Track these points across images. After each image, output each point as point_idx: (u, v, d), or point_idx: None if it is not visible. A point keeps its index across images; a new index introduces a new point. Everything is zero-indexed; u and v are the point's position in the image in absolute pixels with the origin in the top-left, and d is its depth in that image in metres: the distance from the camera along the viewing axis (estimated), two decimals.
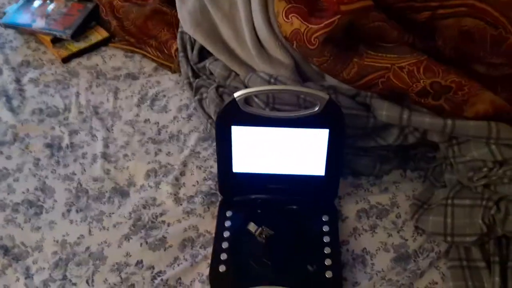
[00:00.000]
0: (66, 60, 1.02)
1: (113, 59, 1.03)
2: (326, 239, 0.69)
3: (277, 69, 0.76)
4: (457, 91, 0.66)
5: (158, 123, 0.90)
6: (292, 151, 0.70)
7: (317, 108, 0.65)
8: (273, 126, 0.67)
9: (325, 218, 0.72)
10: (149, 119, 0.91)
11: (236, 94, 0.65)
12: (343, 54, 0.67)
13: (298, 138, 0.69)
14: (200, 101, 0.85)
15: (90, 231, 0.74)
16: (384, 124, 0.71)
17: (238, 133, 0.68)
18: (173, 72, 0.99)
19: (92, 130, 0.89)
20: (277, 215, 0.72)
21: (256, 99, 0.72)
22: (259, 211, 0.73)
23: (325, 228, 0.71)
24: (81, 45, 1.04)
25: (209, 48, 0.84)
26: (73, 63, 1.02)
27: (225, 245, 0.69)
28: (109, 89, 0.96)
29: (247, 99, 0.70)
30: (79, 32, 1.06)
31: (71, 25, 1.05)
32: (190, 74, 0.89)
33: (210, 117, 0.83)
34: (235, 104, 0.65)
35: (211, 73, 0.86)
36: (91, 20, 1.09)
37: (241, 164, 0.72)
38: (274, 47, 0.75)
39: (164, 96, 0.95)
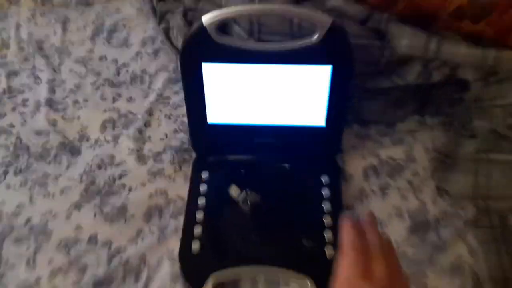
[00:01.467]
0: None
1: None
2: (326, 205, 0.55)
3: None
4: (503, 12, 0.49)
5: (116, 60, 0.72)
6: (283, 96, 0.54)
7: (316, 37, 0.48)
8: (258, 62, 0.51)
9: (324, 179, 0.57)
10: (105, 56, 0.73)
11: (204, 18, 0.47)
12: None
13: (291, 78, 0.52)
14: (166, 31, 0.67)
15: (31, 198, 0.59)
16: (403, 57, 0.54)
17: (212, 72, 0.52)
18: None
19: (35, 71, 0.71)
20: (265, 176, 0.58)
21: (237, 27, 0.55)
22: (242, 170, 0.58)
23: (325, 192, 0.56)
24: None
25: None
26: None
27: (199, 215, 0.55)
28: (57, 19, 0.78)
29: (223, 27, 0.52)
30: None
31: None
32: None
33: (179, 51, 0.66)
34: (205, 32, 0.48)
35: None
36: None
37: (217, 113, 0.56)
38: None
39: (125, 26, 0.76)
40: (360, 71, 0.56)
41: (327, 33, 0.47)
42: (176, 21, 0.63)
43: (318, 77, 0.52)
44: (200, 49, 0.49)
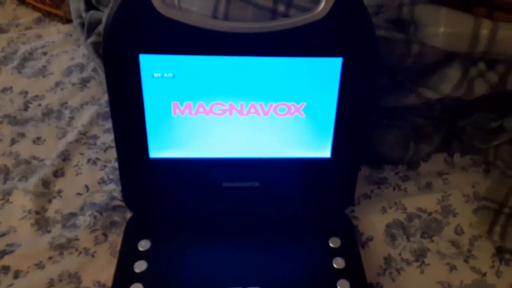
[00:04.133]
0: None
1: None
2: (343, 285, 0.34)
3: None
4: None
5: (26, 92, 0.52)
6: (266, 111, 0.35)
7: (320, 9, 0.31)
8: (228, 53, 0.32)
9: (334, 243, 0.37)
10: (11, 87, 0.53)
11: None
12: None
13: (278, 78, 0.34)
14: (96, 46, 0.49)
15: None
16: (436, 56, 0.38)
17: (156, 70, 0.33)
18: (65, 21, 0.63)
19: None
20: (244, 245, 0.37)
21: (194, 8, 0.37)
22: (204, 238, 0.37)
23: (338, 263, 0.35)
24: None
25: None
26: None
27: None
28: None
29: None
30: None
31: None
32: (83, 7, 0.52)
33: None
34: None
35: None
36: None
37: (165, 142, 0.36)
38: None
39: (45, 54, 0.58)
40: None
41: (336, 4, 0.31)
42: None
43: (320, 76, 0.34)
44: (136, 28, 0.31)
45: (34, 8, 0.66)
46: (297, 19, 0.31)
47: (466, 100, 0.41)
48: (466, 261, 0.39)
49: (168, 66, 0.32)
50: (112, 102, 0.33)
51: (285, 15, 0.37)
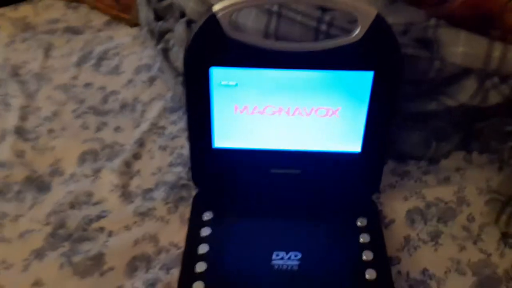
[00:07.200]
0: None
1: (50, 10, 0.76)
2: (368, 255, 0.42)
3: None
4: None
5: (105, 88, 0.62)
6: (309, 111, 0.43)
7: (355, 34, 0.38)
8: (279, 67, 0.41)
9: (361, 222, 0.45)
10: (92, 83, 0.63)
11: (217, 7, 0.38)
12: None
13: (321, 87, 0.42)
14: (165, 52, 0.58)
15: None
16: (455, 71, 0.45)
17: (223, 80, 0.41)
18: (132, 25, 0.72)
19: (6, 97, 0.60)
20: (288, 220, 0.45)
21: (249, 23, 0.45)
22: (256, 212, 0.46)
23: (364, 238, 0.43)
24: None
25: None
26: None
27: (200, 267, 0.41)
28: (39, 45, 0.69)
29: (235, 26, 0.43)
30: None
31: None
32: (152, 17, 0.62)
33: (179, 74, 0.56)
34: (216, 25, 0.38)
35: (182, 15, 0.59)
36: None
37: (227, 135, 0.44)
38: None
39: (117, 54, 0.67)
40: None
41: (369, 30, 0.38)
42: (177, 31, 0.54)
43: (355, 87, 0.41)
44: (209, 47, 0.39)
45: (105, 11, 0.76)
46: (337, 41, 0.39)
47: (483, 106, 0.48)
48: (475, 243, 0.46)
49: (232, 76, 0.41)
50: (188, 102, 0.42)
51: (327, 33, 0.44)
